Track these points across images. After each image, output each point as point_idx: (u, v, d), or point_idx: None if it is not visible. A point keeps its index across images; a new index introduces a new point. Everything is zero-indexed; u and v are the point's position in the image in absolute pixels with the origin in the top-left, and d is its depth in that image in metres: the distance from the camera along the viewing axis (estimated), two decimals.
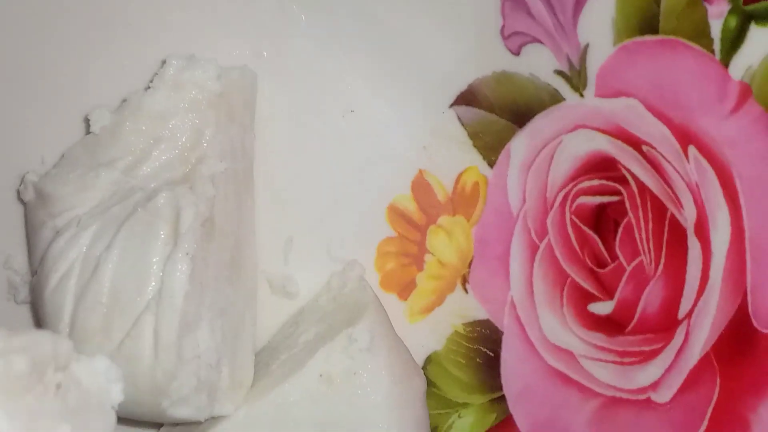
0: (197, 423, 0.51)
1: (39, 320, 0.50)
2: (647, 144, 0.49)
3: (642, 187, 0.50)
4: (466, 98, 0.54)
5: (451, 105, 0.54)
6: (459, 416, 0.57)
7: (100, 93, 0.53)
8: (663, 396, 0.51)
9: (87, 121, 0.50)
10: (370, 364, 0.50)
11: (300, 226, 0.56)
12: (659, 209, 0.50)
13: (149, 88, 0.50)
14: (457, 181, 0.55)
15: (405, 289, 0.56)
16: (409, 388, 0.51)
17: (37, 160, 0.54)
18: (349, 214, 0.56)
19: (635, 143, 0.50)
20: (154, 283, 0.47)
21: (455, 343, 0.57)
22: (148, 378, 0.47)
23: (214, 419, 0.50)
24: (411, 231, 0.56)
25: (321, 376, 0.50)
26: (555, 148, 0.53)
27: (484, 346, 0.56)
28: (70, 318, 0.48)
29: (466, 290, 0.56)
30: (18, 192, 0.53)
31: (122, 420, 0.52)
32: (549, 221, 0.54)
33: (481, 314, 0.56)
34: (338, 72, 0.55)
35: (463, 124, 0.55)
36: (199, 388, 0.48)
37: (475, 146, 0.55)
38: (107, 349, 0.47)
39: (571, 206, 0.53)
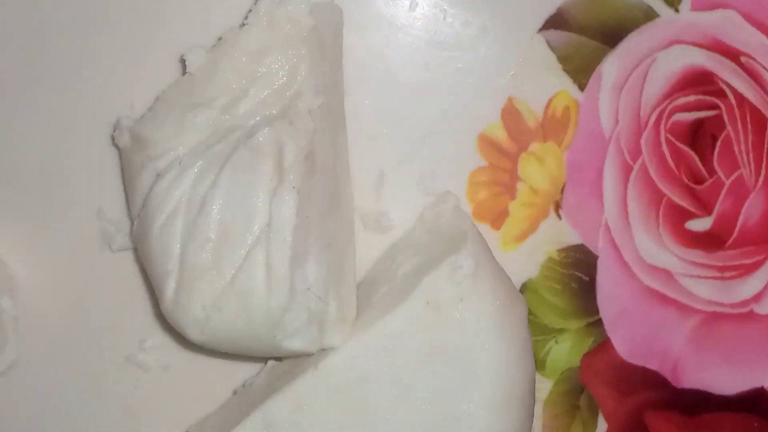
0: (306, 356, 0.52)
1: (144, 263, 0.50)
2: (746, 55, 0.49)
3: (740, 99, 0.50)
4: (555, 22, 0.54)
5: (540, 30, 0.54)
6: (556, 342, 0.57)
7: (188, 35, 0.53)
8: (766, 307, 0.52)
9: (183, 62, 0.50)
10: (476, 290, 0.50)
11: (390, 160, 0.56)
12: (759, 120, 0.50)
13: (244, 25, 0.50)
14: (547, 107, 0.55)
15: (498, 219, 0.56)
16: (513, 312, 0.52)
17: (127, 107, 0.54)
18: (439, 146, 0.56)
19: (733, 55, 0.50)
20: (262, 218, 0.47)
21: (550, 269, 0.57)
22: (263, 311, 0.48)
23: (323, 352, 0.50)
24: (502, 159, 0.56)
25: (428, 303, 0.50)
26: (648, 67, 0.53)
27: (579, 271, 0.57)
28: (179, 257, 0.48)
29: (559, 216, 0.56)
30: (112, 138, 0.53)
31: (232, 356, 0.53)
32: (643, 141, 0.54)
33: (575, 239, 0.57)
34: (423, 4, 0.54)
35: (552, 49, 0.55)
36: (310, 320, 0.49)
37: (564, 70, 0.55)
38: (219, 285, 0.48)
39: (666, 124, 0.53)
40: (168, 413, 0.57)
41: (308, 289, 0.48)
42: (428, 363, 0.50)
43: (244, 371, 0.56)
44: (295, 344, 0.49)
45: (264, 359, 0.55)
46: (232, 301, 0.48)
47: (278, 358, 0.54)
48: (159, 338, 0.57)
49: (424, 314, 0.50)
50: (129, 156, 0.51)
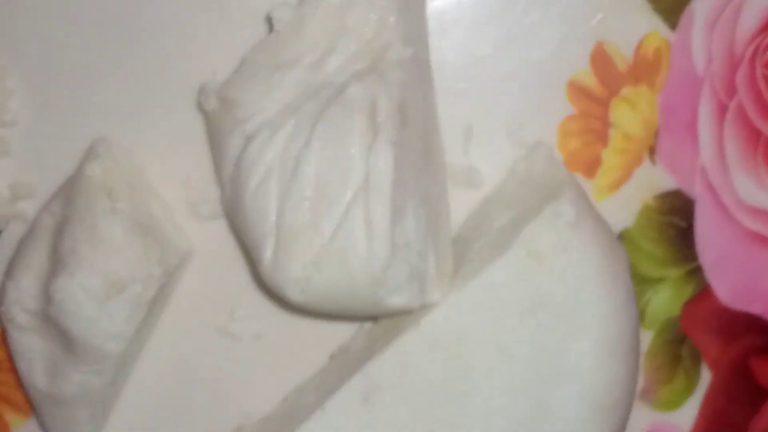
0: (405, 315, 0.51)
1: (239, 227, 0.50)
2: None
3: None
4: None
5: None
6: (655, 292, 0.56)
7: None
8: None
9: (269, 20, 0.50)
10: (578, 238, 0.49)
11: (477, 114, 0.55)
12: None
13: None
14: (637, 49, 0.54)
15: (591, 168, 0.55)
16: (616, 260, 0.51)
17: (209, 72, 0.53)
18: (527, 95, 0.55)
19: None
20: (359, 174, 0.47)
21: (646, 217, 0.56)
22: (364, 267, 0.47)
23: (424, 309, 0.50)
24: (593, 106, 0.55)
25: (529, 254, 0.49)
26: (743, 0, 0.51)
27: (676, 217, 0.55)
28: (276, 217, 0.48)
29: (653, 162, 0.55)
30: (198, 104, 0.52)
31: (327, 319, 0.53)
32: (738, 78, 0.53)
33: (671, 185, 0.55)
34: None
35: None
36: (411, 275, 0.48)
37: (655, 10, 0.53)
38: (319, 244, 0.47)
39: (761, 59, 0.52)
40: (262, 382, 0.56)
41: (408, 244, 0.48)
42: (531, 315, 0.49)
43: (339, 335, 0.56)
44: (397, 301, 0.48)
45: (360, 320, 0.54)
46: (332, 260, 0.47)
47: (375, 320, 0.54)
48: (250, 307, 0.56)
49: (525, 265, 0.49)
50: (216, 120, 0.51)
